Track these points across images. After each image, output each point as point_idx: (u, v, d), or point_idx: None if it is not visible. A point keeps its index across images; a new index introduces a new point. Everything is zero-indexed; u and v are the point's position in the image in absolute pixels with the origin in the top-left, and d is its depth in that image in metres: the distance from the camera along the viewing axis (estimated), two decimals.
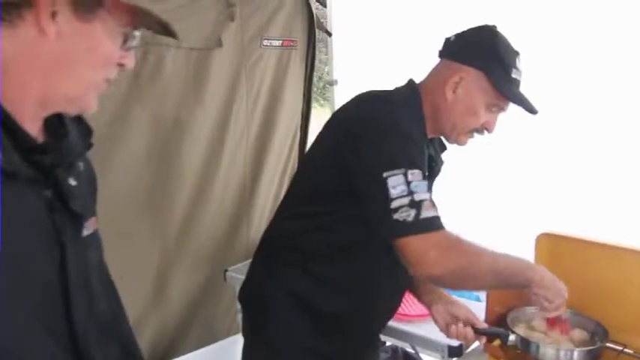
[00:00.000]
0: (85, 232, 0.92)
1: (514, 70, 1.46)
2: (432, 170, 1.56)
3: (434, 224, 1.27)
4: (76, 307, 0.87)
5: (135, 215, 2.15)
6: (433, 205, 1.29)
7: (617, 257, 1.65)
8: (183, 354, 2.37)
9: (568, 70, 2.06)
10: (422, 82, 1.55)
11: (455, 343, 1.73)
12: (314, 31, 2.64)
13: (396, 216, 1.26)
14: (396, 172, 1.27)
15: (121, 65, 0.88)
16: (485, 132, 1.52)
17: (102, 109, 2.07)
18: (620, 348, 1.54)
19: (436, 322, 1.60)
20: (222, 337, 2.51)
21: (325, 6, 2.72)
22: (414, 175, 1.27)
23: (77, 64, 0.83)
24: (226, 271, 2.40)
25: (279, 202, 2.65)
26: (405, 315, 1.93)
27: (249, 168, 2.53)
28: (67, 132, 0.90)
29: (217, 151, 2.37)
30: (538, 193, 2.13)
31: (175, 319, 2.33)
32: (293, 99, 2.65)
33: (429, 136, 1.52)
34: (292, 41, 2.59)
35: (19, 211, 0.78)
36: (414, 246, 1.27)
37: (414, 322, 1.92)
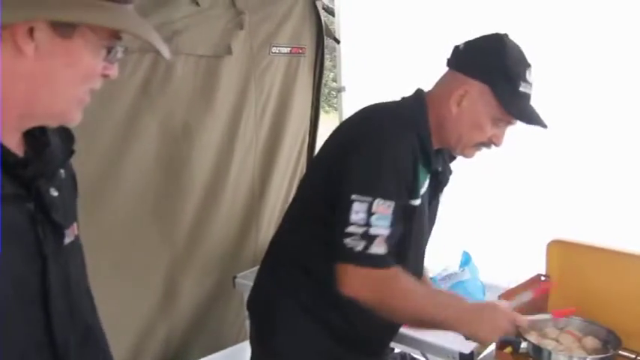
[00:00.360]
0: (67, 241, 0.91)
1: (522, 84, 1.41)
2: (439, 181, 1.56)
3: (377, 262, 1.30)
4: (56, 318, 0.86)
5: (144, 221, 2.15)
6: (385, 242, 1.31)
7: (629, 264, 1.64)
8: None
9: (579, 76, 2.05)
10: (430, 92, 1.52)
11: (466, 349, 1.72)
12: (322, 38, 2.65)
13: (346, 240, 1.30)
14: (363, 198, 1.30)
15: (105, 76, 0.87)
16: (493, 146, 1.49)
17: (112, 116, 2.10)
18: (634, 356, 1.54)
19: None
20: (231, 343, 2.50)
21: (333, 15, 2.73)
22: (381, 206, 1.29)
23: (57, 81, 0.81)
24: (235, 277, 2.40)
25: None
26: None
27: (258, 174, 2.53)
28: (48, 142, 0.89)
29: (226, 157, 2.37)
30: (549, 200, 2.12)
31: (184, 325, 2.33)
32: (301, 105, 2.66)
33: (436, 147, 1.48)
34: (301, 48, 2.60)
35: (3, 228, 0.77)
36: (351, 275, 1.32)
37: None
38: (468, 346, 1.70)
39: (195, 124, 2.25)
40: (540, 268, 1.80)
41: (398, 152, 1.37)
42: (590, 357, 1.52)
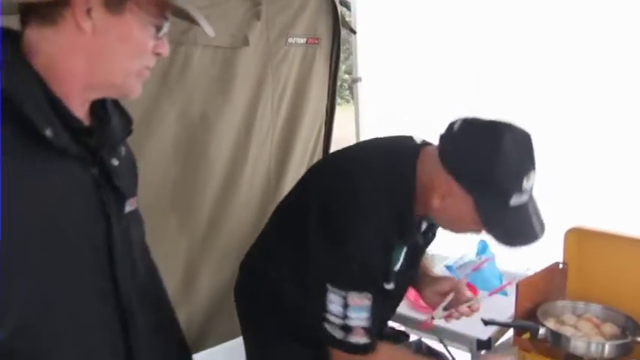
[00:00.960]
0: (127, 209, 1.03)
1: (515, 195, 1.21)
2: (420, 248, 1.54)
3: (359, 349, 1.32)
4: (120, 272, 0.98)
5: (163, 211, 2.18)
6: (365, 332, 1.30)
7: None
8: (209, 347, 2.40)
9: (589, 65, 2.05)
10: (425, 150, 1.36)
11: (484, 336, 1.73)
12: (338, 28, 2.65)
13: (326, 325, 1.32)
14: (337, 291, 1.29)
15: (157, 54, 0.97)
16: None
17: (130, 107, 2.12)
18: None
19: (430, 307, 1.59)
20: None
21: (349, 9, 2.73)
22: (356, 299, 1.28)
23: (113, 54, 0.91)
24: None
25: None
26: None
27: (274, 164, 2.55)
28: (109, 119, 1.00)
29: (243, 147, 2.39)
30: (568, 187, 2.11)
31: (202, 312, 2.36)
32: (317, 96, 2.66)
33: (421, 212, 1.36)
34: (317, 39, 2.60)
35: (71, 184, 0.90)
36: (336, 356, 1.35)
37: None
38: (485, 333, 1.72)
39: (212, 115, 2.26)
40: (558, 256, 1.81)
41: (367, 249, 1.29)
42: (609, 342, 1.52)
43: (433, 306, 1.57)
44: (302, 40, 2.55)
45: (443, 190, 1.26)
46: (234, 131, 2.35)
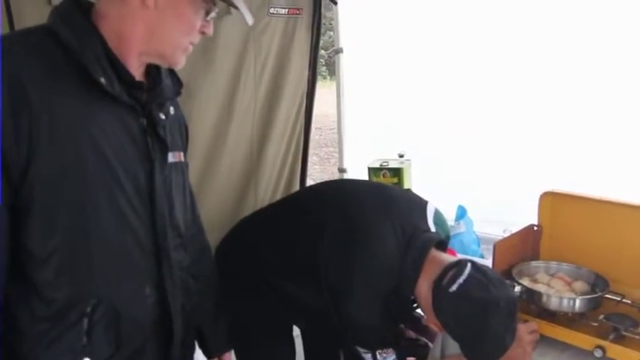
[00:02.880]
0: (171, 159, 1.18)
1: None
2: None
3: None
4: (158, 209, 1.13)
5: None
6: None
7: (617, 214, 1.72)
8: None
9: (571, 32, 2.10)
10: (432, 258, 1.48)
11: None
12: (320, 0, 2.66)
13: None
14: None
15: (202, 33, 1.12)
16: None
17: None
18: (619, 298, 1.62)
19: None
20: None
21: None
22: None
23: (168, 29, 1.07)
24: None
25: (286, 168, 2.73)
26: None
27: (256, 134, 2.56)
28: (161, 80, 1.17)
29: (226, 117, 2.40)
30: (541, 152, 2.18)
31: None
32: (299, 67, 2.67)
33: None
34: (298, 10, 2.61)
35: (121, 127, 1.06)
36: None
37: None
38: None
39: (195, 84, 2.26)
40: (533, 218, 1.88)
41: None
42: (579, 298, 1.61)
43: None
44: (284, 11, 2.55)
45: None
46: (216, 101, 2.36)
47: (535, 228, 1.87)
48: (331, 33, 3.06)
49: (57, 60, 0.98)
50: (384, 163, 2.35)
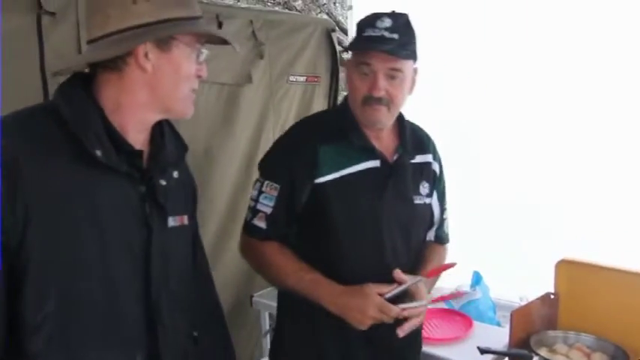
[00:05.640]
0: (172, 224, 1.19)
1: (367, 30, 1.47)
2: (397, 165, 1.55)
3: (254, 232, 1.53)
4: (153, 276, 1.13)
5: None
6: (267, 219, 1.50)
7: (637, 283, 1.70)
8: None
9: (591, 97, 2.14)
10: None
11: None
12: (337, 67, 2.77)
13: (246, 212, 1.56)
14: (259, 179, 1.54)
15: (199, 77, 1.15)
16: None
17: None
18: None
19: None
20: None
21: (347, 51, 2.84)
22: (269, 188, 1.50)
23: (170, 84, 1.11)
24: (252, 296, 2.47)
25: None
26: (435, 339, 1.98)
27: None
28: (164, 145, 1.19)
29: (245, 181, 2.46)
30: (558, 219, 2.19)
31: None
32: None
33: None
34: (316, 77, 2.72)
35: (119, 196, 1.09)
36: (240, 240, 1.59)
37: (444, 345, 1.95)
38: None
39: (216, 149, 2.35)
40: (549, 286, 1.87)
41: (285, 138, 1.57)
42: None
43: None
44: (302, 79, 2.67)
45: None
46: (236, 165, 2.44)
47: (552, 296, 1.86)
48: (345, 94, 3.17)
49: (57, 138, 1.03)
50: None
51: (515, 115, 2.32)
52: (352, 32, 2.84)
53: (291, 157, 1.51)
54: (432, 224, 1.68)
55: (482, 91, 2.43)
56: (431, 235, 1.69)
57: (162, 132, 1.20)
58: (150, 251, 1.13)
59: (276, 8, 4.90)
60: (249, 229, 1.53)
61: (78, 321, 1.05)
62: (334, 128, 1.51)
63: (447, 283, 2.23)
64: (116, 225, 1.08)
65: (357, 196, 1.49)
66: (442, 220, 1.72)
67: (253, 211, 1.52)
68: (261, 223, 1.50)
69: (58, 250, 1.01)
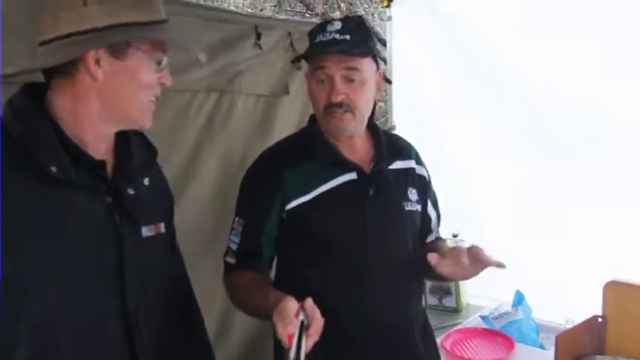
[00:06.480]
0: (146, 234, 1.13)
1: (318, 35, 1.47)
2: (373, 174, 1.49)
3: (226, 268, 1.51)
4: (128, 288, 1.07)
5: (200, 252, 2.21)
6: (234, 254, 1.49)
7: None
8: None
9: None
10: None
11: None
12: None
13: None
14: (234, 217, 1.53)
15: (162, 84, 1.09)
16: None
17: (177, 151, 2.21)
18: None
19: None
20: None
21: (385, 63, 2.81)
22: (236, 223, 1.50)
23: (125, 93, 1.05)
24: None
25: None
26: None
27: None
28: (131, 154, 1.13)
29: None
30: (607, 239, 2.09)
31: (235, 358, 2.37)
32: None
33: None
34: None
35: (81, 211, 1.02)
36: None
37: None
38: None
39: (252, 159, 2.33)
40: (596, 309, 1.78)
41: (250, 170, 1.54)
42: None
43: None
44: None
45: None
46: None
47: (600, 319, 1.77)
48: (382, 104, 3.12)
49: (11, 158, 0.96)
50: None
51: (565, 130, 2.24)
52: (391, 44, 2.82)
53: (253, 189, 1.50)
54: (429, 231, 1.65)
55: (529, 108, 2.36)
56: (430, 239, 1.67)
57: (127, 139, 1.13)
58: (123, 265, 1.06)
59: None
60: (224, 266, 1.52)
61: (51, 346, 0.99)
62: (299, 149, 1.48)
63: (487, 301, 2.16)
64: (81, 242, 1.02)
65: (336, 212, 1.43)
66: (438, 226, 1.70)
67: (226, 248, 1.51)
68: (231, 259, 1.49)
69: (18, 276, 0.94)
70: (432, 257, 1.36)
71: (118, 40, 1.01)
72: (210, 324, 2.21)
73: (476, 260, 1.35)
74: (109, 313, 1.06)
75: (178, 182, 2.11)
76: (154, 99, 1.09)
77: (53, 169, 0.98)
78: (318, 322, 1.13)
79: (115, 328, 1.07)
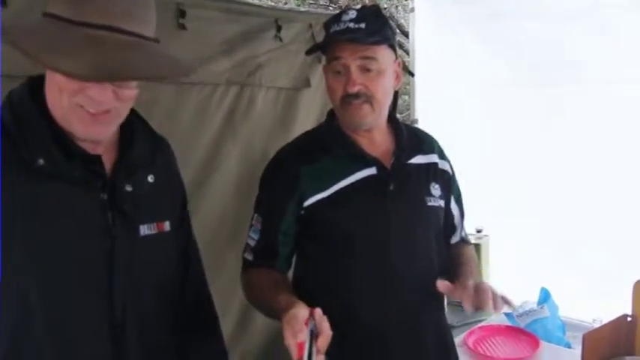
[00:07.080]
0: (145, 232, 1.08)
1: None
2: (392, 169, 1.44)
3: (244, 265, 1.48)
4: (115, 289, 1.03)
5: (222, 246, 2.21)
6: (252, 250, 1.46)
7: None
8: None
9: None
10: None
11: None
12: None
13: None
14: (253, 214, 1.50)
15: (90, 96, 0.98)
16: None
17: (198, 144, 2.21)
18: None
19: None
20: None
21: (408, 54, 2.78)
22: (255, 220, 1.47)
23: (50, 94, 0.99)
24: None
25: None
26: (500, 359, 1.87)
27: None
28: (132, 147, 1.08)
29: None
30: (636, 235, 2.04)
31: (256, 353, 2.36)
32: None
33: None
34: None
35: (71, 206, 0.98)
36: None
37: None
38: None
39: (273, 153, 2.32)
40: (626, 307, 1.73)
41: (266, 169, 1.51)
42: None
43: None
44: None
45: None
46: None
47: (629, 319, 1.71)
48: (406, 97, 3.09)
49: (7, 155, 0.94)
50: None
51: (596, 125, 2.18)
52: (414, 35, 2.78)
53: (269, 187, 1.48)
54: (453, 228, 1.59)
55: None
56: (455, 239, 1.61)
57: (132, 131, 1.08)
58: (112, 264, 1.02)
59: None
60: (242, 262, 1.49)
61: (29, 340, 0.97)
62: (316, 145, 1.44)
63: (512, 299, 2.11)
64: (69, 238, 0.98)
65: (355, 209, 1.38)
66: (462, 223, 1.63)
67: (245, 245, 1.49)
68: (249, 256, 1.47)
69: (10, 273, 0.92)
70: (441, 285, 1.32)
71: (43, 61, 0.93)
72: (231, 318, 2.23)
73: (479, 299, 1.29)
74: (92, 312, 1.02)
75: (201, 173, 2.11)
76: (82, 107, 0.96)
77: (40, 161, 0.95)
78: (326, 334, 1.09)
79: (99, 326, 1.03)
